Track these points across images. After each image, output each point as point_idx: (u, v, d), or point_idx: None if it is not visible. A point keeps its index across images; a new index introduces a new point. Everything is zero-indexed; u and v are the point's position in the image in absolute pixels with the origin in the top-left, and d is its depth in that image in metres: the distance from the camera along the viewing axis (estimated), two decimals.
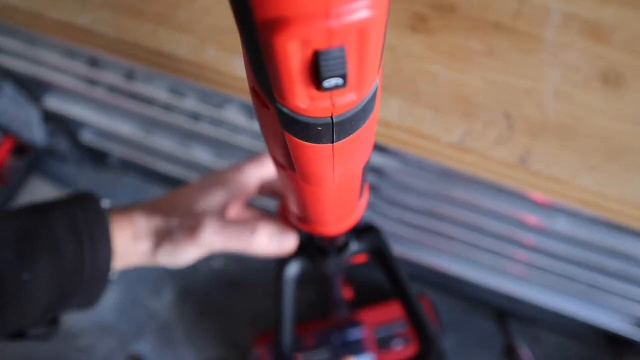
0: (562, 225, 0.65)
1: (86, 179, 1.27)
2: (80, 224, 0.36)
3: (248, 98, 0.56)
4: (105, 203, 0.39)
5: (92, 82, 0.74)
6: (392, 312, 0.99)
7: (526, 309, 1.07)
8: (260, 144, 0.73)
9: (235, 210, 0.41)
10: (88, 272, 0.35)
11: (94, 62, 0.69)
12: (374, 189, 0.75)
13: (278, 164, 0.23)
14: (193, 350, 1.14)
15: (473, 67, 0.53)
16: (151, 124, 0.84)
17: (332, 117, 0.16)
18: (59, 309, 0.36)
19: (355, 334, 0.97)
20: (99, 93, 0.73)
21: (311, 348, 0.95)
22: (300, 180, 0.22)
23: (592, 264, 0.72)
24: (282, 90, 0.15)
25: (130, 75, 0.68)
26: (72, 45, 0.61)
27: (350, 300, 0.91)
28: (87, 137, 0.99)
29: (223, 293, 1.17)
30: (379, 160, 0.66)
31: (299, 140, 0.17)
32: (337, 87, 0.15)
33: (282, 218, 0.42)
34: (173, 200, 0.41)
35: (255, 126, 0.67)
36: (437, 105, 0.52)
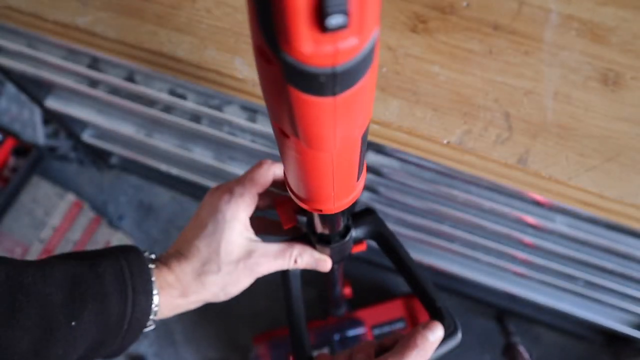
0: (560, 225, 0.65)
1: (87, 178, 1.27)
2: (126, 276, 0.37)
3: (248, 98, 0.56)
4: (148, 256, 0.41)
5: (93, 83, 0.74)
6: (391, 311, 0.99)
7: (526, 308, 1.07)
8: (260, 144, 0.73)
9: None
10: (127, 323, 0.37)
11: (94, 63, 0.69)
12: (373, 190, 0.75)
13: (280, 132, 0.24)
14: (193, 350, 1.14)
15: (472, 68, 0.53)
16: (152, 124, 0.84)
17: (333, 67, 0.17)
18: (95, 355, 0.37)
19: (355, 332, 0.97)
20: (100, 93, 0.74)
21: (312, 347, 0.95)
22: (302, 145, 0.23)
23: (591, 263, 0.72)
24: (287, 34, 0.15)
25: (130, 76, 0.69)
26: (72, 45, 0.62)
27: (349, 298, 0.91)
28: (88, 137, 0.99)
29: None
30: (378, 160, 0.66)
31: (301, 94, 0.18)
32: (339, 27, 0.15)
33: (281, 206, 0.43)
34: (209, 231, 0.42)
35: (256, 126, 0.67)
36: (436, 105, 0.52)
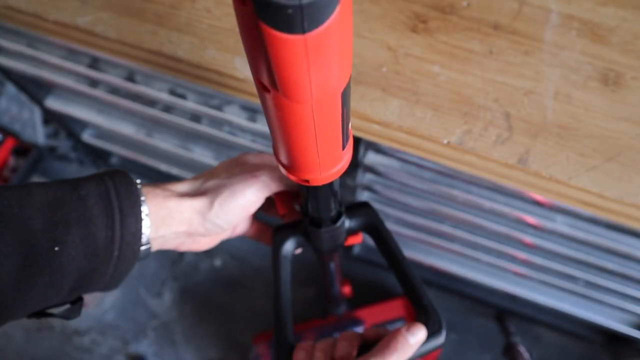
0: (561, 225, 0.65)
1: None
2: (112, 198, 0.35)
3: (248, 98, 0.56)
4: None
5: (93, 83, 0.74)
6: (391, 311, 0.99)
7: (526, 308, 1.07)
8: (260, 144, 0.73)
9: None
10: (117, 249, 0.35)
11: (94, 63, 0.69)
12: (373, 190, 0.75)
13: (262, 87, 0.25)
14: (193, 350, 1.14)
15: (473, 68, 0.53)
16: (152, 124, 0.84)
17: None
18: (87, 286, 0.35)
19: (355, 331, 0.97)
20: (100, 93, 0.74)
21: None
22: (281, 97, 0.24)
23: (591, 263, 0.72)
24: None
25: (130, 76, 0.69)
26: (72, 45, 0.62)
27: (348, 297, 0.91)
28: (88, 137, 0.99)
29: (223, 293, 1.18)
30: (378, 160, 0.66)
31: (272, 31, 0.19)
32: None
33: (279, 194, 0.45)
34: (215, 169, 0.43)
35: (256, 126, 0.67)
36: (436, 105, 0.52)
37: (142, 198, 0.37)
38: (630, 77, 0.53)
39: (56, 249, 0.32)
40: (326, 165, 0.32)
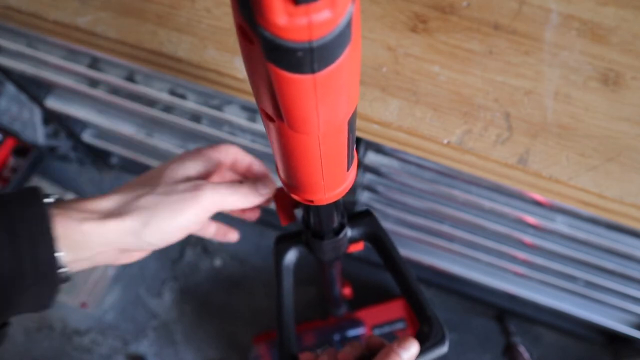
0: (561, 225, 0.65)
1: (87, 178, 1.27)
2: (17, 224, 0.33)
3: (248, 98, 0.56)
4: (52, 197, 0.37)
5: (93, 83, 0.74)
6: (392, 311, 0.99)
7: (526, 308, 1.07)
8: (260, 144, 0.73)
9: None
10: (31, 275, 0.33)
11: (94, 63, 0.69)
12: (373, 190, 0.75)
13: (266, 117, 0.24)
14: (193, 350, 1.14)
15: (473, 68, 0.53)
16: (152, 124, 0.84)
17: (310, 42, 0.17)
18: (4, 316, 0.34)
19: (356, 332, 0.97)
20: (100, 93, 0.74)
21: (311, 347, 0.95)
22: (287, 128, 0.23)
23: (591, 263, 0.72)
24: (262, 8, 0.16)
25: (130, 76, 0.69)
26: (72, 45, 0.62)
27: (349, 299, 0.91)
28: (88, 137, 0.99)
29: (223, 293, 1.18)
30: (378, 160, 0.66)
31: (281, 71, 0.19)
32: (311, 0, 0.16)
33: (280, 201, 0.44)
34: (150, 175, 0.40)
35: (255, 126, 0.67)
36: (436, 105, 0.52)
37: (50, 226, 0.34)
38: (630, 77, 0.53)
39: None
40: (331, 186, 0.32)
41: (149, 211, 0.37)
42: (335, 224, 0.42)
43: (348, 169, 0.31)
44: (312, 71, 0.19)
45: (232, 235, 0.49)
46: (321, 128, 0.23)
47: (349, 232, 0.45)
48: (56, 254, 0.34)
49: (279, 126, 0.24)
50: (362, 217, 0.46)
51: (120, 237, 0.37)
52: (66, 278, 0.36)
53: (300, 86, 0.19)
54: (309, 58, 0.18)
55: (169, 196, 0.38)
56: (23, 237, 0.33)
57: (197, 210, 0.39)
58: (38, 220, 0.34)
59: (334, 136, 0.25)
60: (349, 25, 0.18)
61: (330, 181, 0.31)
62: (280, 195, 0.44)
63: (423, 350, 0.39)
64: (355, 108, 0.25)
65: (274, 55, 0.18)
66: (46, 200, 0.36)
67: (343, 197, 0.35)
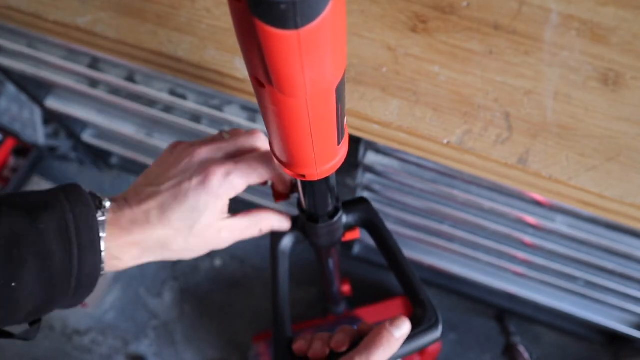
0: (561, 225, 0.65)
1: (87, 178, 1.27)
2: (71, 233, 0.35)
3: (248, 98, 0.56)
4: (99, 201, 0.39)
5: (93, 83, 0.74)
6: (391, 310, 0.99)
7: (526, 308, 1.07)
8: None
9: None
10: (75, 278, 0.35)
11: (94, 63, 0.69)
12: (373, 190, 0.75)
13: (257, 83, 0.25)
14: (193, 350, 1.14)
15: (473, 68, 0.53)
16: (152, 124, 0.84)
17: None
18: (44, 312, 0.36)
19: None
20: (100, 93, 0.74)
21: None
22: (276, 92, 0.24)
23: (591, 263, 0.72)
24: None
25: (130, 76, 0.69)
26: (72, 45, 0.62)
27: (348, 296, 0.92)
28: (88, 137, 0.99)
29: (223, 293, 1.18)
30: (378, 160, 0.66)
31: (266, 27, 0.19)
32: None
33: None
34: (184, 216, 0.40)
35: (255, 126, 0.67)
36: (436, 105, 0.52)
37: (102, 235, 0.36)
38: (630, 77, 0.53)
39: (13, 284, 0.33)
40: (322, 160, 0.32)
41: (174, 254, 0.40)
42: (330, 207, 0.43)
43: (339, 143, 0.32)
44: (296, 26, 0.19)
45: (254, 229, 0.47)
46: (308, 90, 0.24)
47: (344, 217, 0.46)
48: (101, 260, 0.36)
49: (269, 92, 0.25)
50: (357, 204, 0.47)
51: (154, 246, 0.39)
52: (100, 277, 0.38)
53: (285, 42, 0.20)
54: (292, 12, 0.18)
55: (194, 245, 0.40)
56: (74, 244, 0.35)
57: (213, 248, 0.41)
58: (90, 230, 0.36)
59: (322, 102, 0.26)
60: None
61: (321, 153, 0.31)
62: (276, 180, 0.45)
63: (416, 334, 0.39)
64: (344, 76, 0.26)
65: (258, 10, 0.19)
66: (98, 215, 0.37)
67: (340, 177, 0.35)
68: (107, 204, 0.38)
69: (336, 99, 0.27)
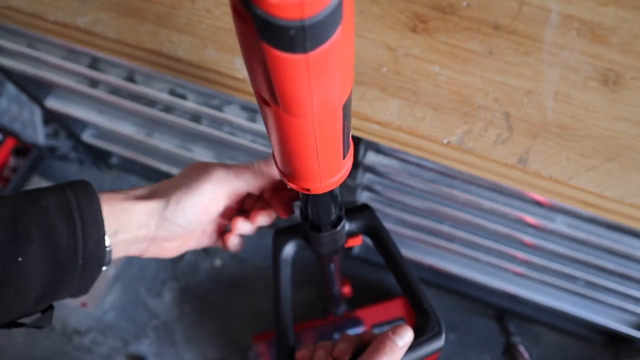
0: (561, 225, 0.65)
1: (87, 178, 1.26)
2: (72, 206, 0.35)
3: (248, 98, 0.56)
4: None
5: (93, 83, 0.74)
6: (391, 311, 0.99)
7: (526, 308, 1.07)
8: (260, 144, 0.73)
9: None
10: (81, 255, 0.35)
11: (94, 63, 0.69)
12: (373, 190, 0.75)
13: (262, 101, 0.25)
14: (193, 350, 1.14)
15: (473, 68, 0.53)
16: (152, 124, 0.84)
17: (302, 20, 0.17)
18: (54, 295, 0.36)
19: (355, 331, 0.97)
20: (100, 93, 0.74)
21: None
22: (282, 112, 0.24)
23: (591, 263, 0.72)
24: None
25: (130, 76, 0.69)
26: (72, 45, 0.62)
27: (349, 297, 0.91)
28: (88, 137, 0.99)
29: (223, 293, 1.18)
30: (378, 160, 0.66)
31: (274, 51, 0.19)
32: None
33: (278, 195, 0.44)
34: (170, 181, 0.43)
35: (255, 126, 0.67)
36: (436, 105, 0.52)
37: (100, 208, 0.37)
38: (630, 77, 0.53)
39: (19, 259, 0.33)
40: (327, 174, 0.32)
41: (169, 191, 0.41)
42: (333, 216, 0.42)
43: (344, 157, 0.32)
44: (305, 50, 0.19)
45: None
46: (315, 111, 0.23)
47: (347, 225, 0.45)
48: (105, 235, 0.37)
49: (274, 110, 0.24)
50: (360, 211, 0.47)
51: (149, 218, 0.40)
52: (108, 261, 0.38)
53: (293, 66, 0.20)
54: (301, 37, 0.18)
55: (185, 178, 0.42)
56: (77, 218, 0.35)
57: (211, 185, 0.41)
58: (91, 203, 0.36)
59: (329, 121, 0.26)
60: (340, 4, 0.18)
61: (326, 168, 0.31)
62: (279, 188, 0.45)
63: (419, 344, 0.39)
64: (350, 94, 0.25)
65: (267, 35, 0.18)
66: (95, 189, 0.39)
67: (339, 185, 0.35)
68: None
69: (343, 116, 0.26)
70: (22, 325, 0.37)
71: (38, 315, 0.37)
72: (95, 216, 0.36)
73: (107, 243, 0.37)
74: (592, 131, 0.51)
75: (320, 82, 0.21)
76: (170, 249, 0.44)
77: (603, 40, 0.55)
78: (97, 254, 0.36)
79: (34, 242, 0.34)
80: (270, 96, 0.23)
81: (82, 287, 0.37)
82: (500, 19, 0.56)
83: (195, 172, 0.42)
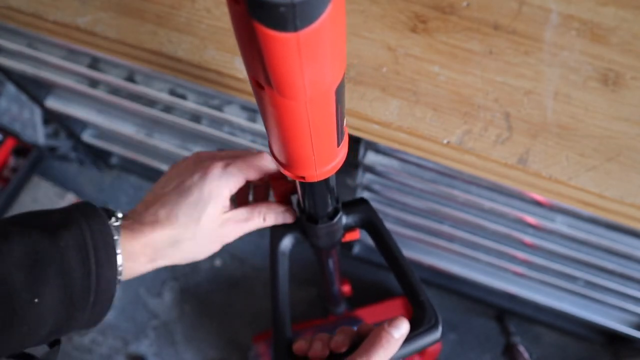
0: (561, 225, 0.65)
1: (87, 178, 1.27)
2: (89, 247, 0.36)
3: (248, 98, 0.56)
4: (110, 217, 0.40)
5: (93, 83, 0.74)
6: (391, 310, 0.99)
7: (526, 308, 1.07)
8: (260, 144, 0.73)
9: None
10: (93, 292, 0.36)
11: (94, 63, 0.69)
12: (373, 190, 0.75)
13: (257, 85, 0.25)
14: (193, 350, 1.14)
15: (472, 68, 0.53)
16: (152, 124, 0.84)
17: None
18: (65, 330, 0.37)
19: None
20: (100, 93, 0.74)
21: None
22: (275, 94, 0.24)
23: (591, 263, 0.72)
24: None
25: (130, 76, 0.69)
26: (72, 45, 0.62)
27: (348, 297, 0.91)
28: (88, 137, 0.99)
29: (223, 293, 1.18)
30: (378, 160, 0.66)
31: (265, 29, 0.19)
32: None
33: (276, 186, 0.44)
34: (190, 211, 0.42)
35: (255, 126, 0.67)
36: (436, 105, 0.52)
37: (118, 251, 0.38)
38: (630, 77, 0.53)
39: (36, 300, 0.34)
40: (321, 162, 0.32)
41: (188, 254, 0.41)
42: (330, 207, 0.43)
43: (338, 145, 0.32)
44: (295, 29, 0.19)
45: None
46: (308, 92, 0.24)
47: (344, 218, 0.46)
48: (118, 275, 0.38)
49: (269, 94, 0.25)
50: (357, 205, 0.47)
51: (164, 247, 0.40)
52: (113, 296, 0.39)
53: (285, 45, 0.20)
54: (291, 14, 0.18)
55: (203, 243, 0.42)
56: (92, 259, 0.36)
57: (224, 244, 0.42)
58: (106, 245, 0.37)
59: (322, 104, 0.26)
60: None
61: (320, 155, 0.31)
62: (276, 180, 0.45)
63: (416, 335, 0.39)
64: (343, 78, 0.26)
65: (258, 13, 0.19)
66: (111, 221, 0.39)
67: (336, 182, 0.35)
68: (120, 215, 0.40)
69: (336, 101, 0.26)
70: (32, 357, 0.38)
71: (46, 348, 0.39)
72: (109, 257, 0.37)
73: (119, 280, 0.38)
74: (592, 131, 0.51)
75: (311, 62, 0.21)
76: (190, 257, 0.44)
77: (603, 40, 0.54)
78: (109, 291, 0.37)
79: (50, 283, 0.34)
80: (263, 78, 0.24)
81: (92, 322, 0.38)
82: (500, 19, 0.56)
83: (195, 187, 0.41)
